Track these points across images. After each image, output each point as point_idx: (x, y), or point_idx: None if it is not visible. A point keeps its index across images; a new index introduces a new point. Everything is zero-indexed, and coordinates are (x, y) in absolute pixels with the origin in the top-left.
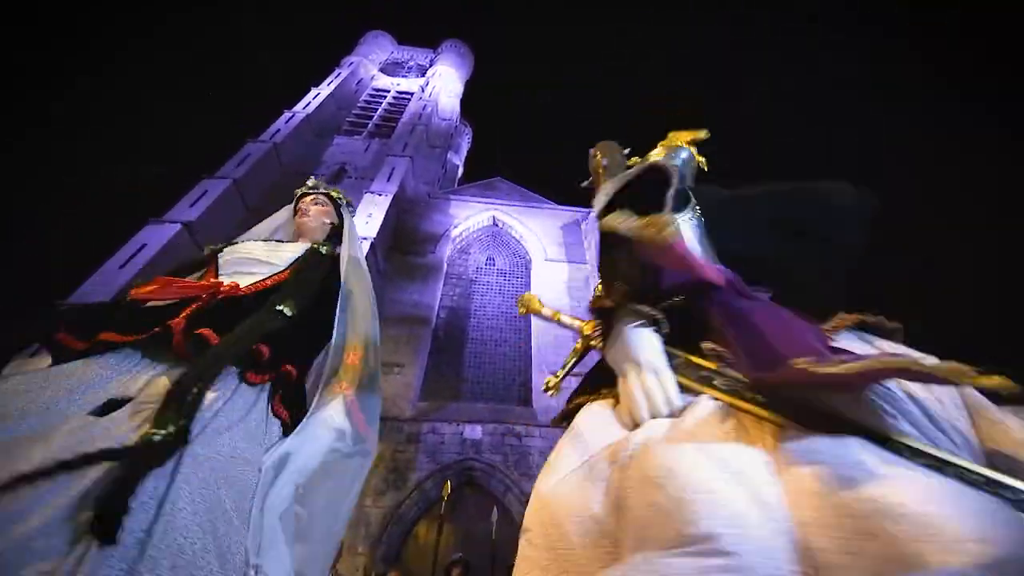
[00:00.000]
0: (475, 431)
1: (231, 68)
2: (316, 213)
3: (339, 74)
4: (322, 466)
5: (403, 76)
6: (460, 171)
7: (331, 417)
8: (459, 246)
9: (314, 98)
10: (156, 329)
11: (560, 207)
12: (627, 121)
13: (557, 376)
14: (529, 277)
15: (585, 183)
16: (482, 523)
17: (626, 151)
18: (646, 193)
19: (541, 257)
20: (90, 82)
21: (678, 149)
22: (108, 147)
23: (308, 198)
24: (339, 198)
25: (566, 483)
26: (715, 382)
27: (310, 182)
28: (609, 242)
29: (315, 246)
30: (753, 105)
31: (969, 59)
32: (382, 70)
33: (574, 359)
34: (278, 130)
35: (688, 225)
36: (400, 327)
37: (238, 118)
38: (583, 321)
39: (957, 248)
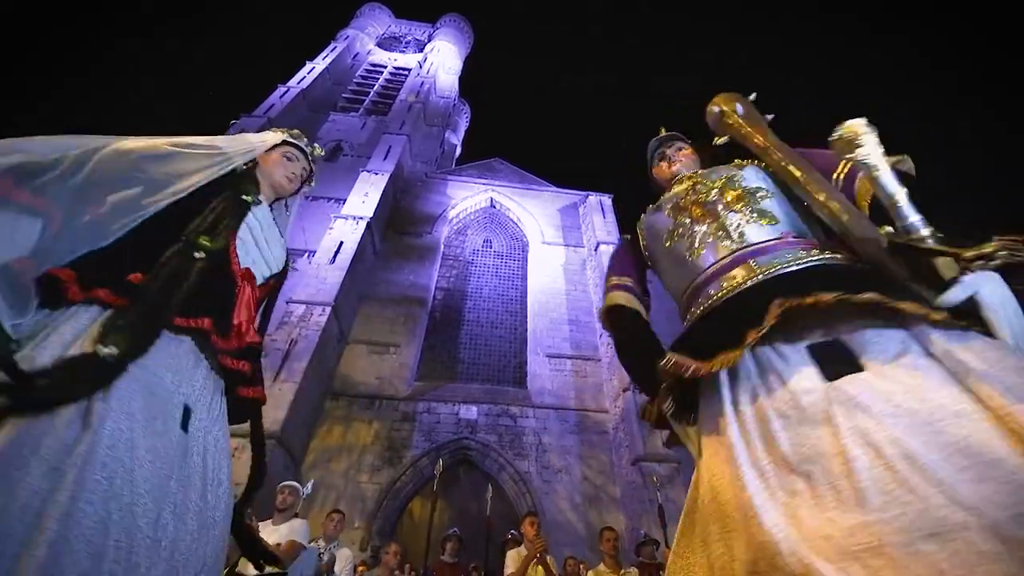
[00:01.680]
0: (470, 411)
1: (224, 41)
2: (297, 181)
3: (335, 48)
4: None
5: (400, 51)
6: (458, 151)
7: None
8: (456, 227)
9: (309, 72)
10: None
11: (559, 189)
12: (631, 103)
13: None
14: (526, 259)
15: (721, 140)
16: (476, 501)
17: (751, 96)
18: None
19: (538, 240)
20: (77, 56)
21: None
22: (94, 128)
23: (301, 159)
24: (310, 179)
25: None
26: None
27: (316, 149)
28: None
29: (287, 265)
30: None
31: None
32: (379, 44)
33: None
34: (272, 105)
35: None
36: (396, 307)
37: (231, 93)
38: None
39: None
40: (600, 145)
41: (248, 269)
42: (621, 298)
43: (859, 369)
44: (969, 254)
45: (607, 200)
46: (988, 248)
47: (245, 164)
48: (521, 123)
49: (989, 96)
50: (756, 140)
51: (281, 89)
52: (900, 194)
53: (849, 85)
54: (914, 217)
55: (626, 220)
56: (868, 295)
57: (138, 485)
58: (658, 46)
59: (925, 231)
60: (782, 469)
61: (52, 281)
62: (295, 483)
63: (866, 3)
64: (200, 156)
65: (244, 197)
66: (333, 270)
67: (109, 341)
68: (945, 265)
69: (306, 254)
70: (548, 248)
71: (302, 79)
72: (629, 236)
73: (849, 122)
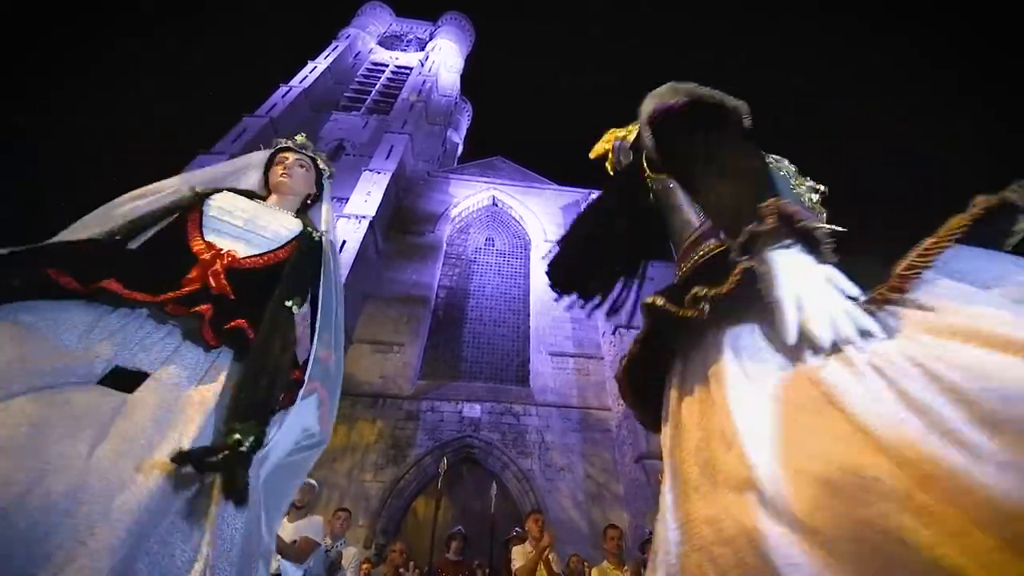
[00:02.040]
0: (474, 409)
1: (224, 41)
2: (300, 177)
3: (336, 47)
4: (285, 461)
5: (402, 50)
6: (460, 149)
7: (305, 414)
8: (458, 226)
9: (311, 72)
10: (184, 307)
11: (561, 187)
12: (633, 102)
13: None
14: (528, 258)
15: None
16: (480, 499)
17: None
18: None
19: (541, 238)
20: (77, 56)
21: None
22: (94, 128)
23: (292, 156)
24: (324, 168)
25: None
26: None
27: (299, 138)
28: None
29: (308, 230)
30: (760, 92)
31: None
32: (380, 43)
33: None
34: (274, 104)
35: None
36: (399, 307)
37: (233, 93)
38: None
39: None
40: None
41: (211, 242)
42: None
43: None
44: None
45: None
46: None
47: (263, 191)
48: (523, 121)
49: (988, 96)
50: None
51: (283, 89)
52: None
53: (849, 85)
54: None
55: None
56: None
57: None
58: (659, 45)
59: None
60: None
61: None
62: (311, 480)
63: (865, 3)
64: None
65: (197, 191)
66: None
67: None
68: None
69: None
70: (550, 246)
71: (304, 78)
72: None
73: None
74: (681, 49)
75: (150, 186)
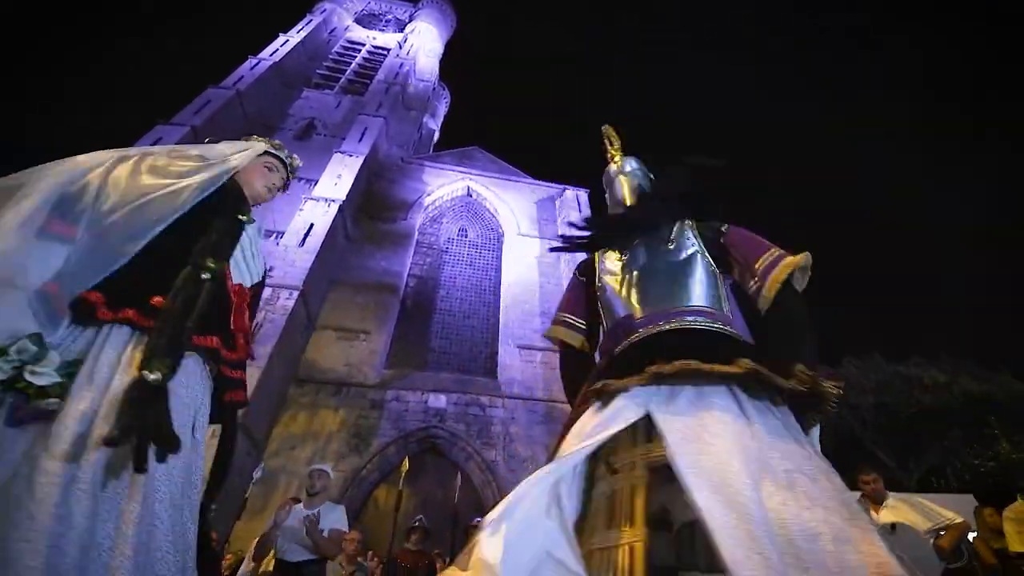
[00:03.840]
0: (439, 400)
1: (192, 10)
2: (275, 191)
3: (311, 21)
4: None
5: (380, 29)
6: (436, 136)
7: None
8: (431, 214)
9: (282, 45)
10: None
11: (536, 182)
12: (612, 96)
13: None
14: (501, 250)
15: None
16: (442, 489)
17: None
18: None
19: (514, 231)
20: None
21: (625, 159)
22: (52, 91)
23: (280, 170)
24: (285, 188)
25: None
26: None
27: (296, 161)
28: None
29: (264, 277)
30: (739, 91)
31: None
32: (357, 21)
33: None
34: (241, 77)
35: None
36: (367, 294)
37: (198, 63)
38: None
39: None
40: (578, 139)
41: (240, 285)
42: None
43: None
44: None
45: (583, 195)
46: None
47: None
48: (501, 112)
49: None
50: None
51: (252, 61)
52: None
53: (848, 88)
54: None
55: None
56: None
57: (175, 490)
58: (641, 42)
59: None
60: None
61: (83, 303)
62: (325, 467)
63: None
64: (193, 165)
65: (240, 217)
66: (302, 253)
67: (153, 367)
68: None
69: (274, 235)
70: (523, 240)
71: (275, 51)
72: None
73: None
74: (664, 46)
75: (190, 155)
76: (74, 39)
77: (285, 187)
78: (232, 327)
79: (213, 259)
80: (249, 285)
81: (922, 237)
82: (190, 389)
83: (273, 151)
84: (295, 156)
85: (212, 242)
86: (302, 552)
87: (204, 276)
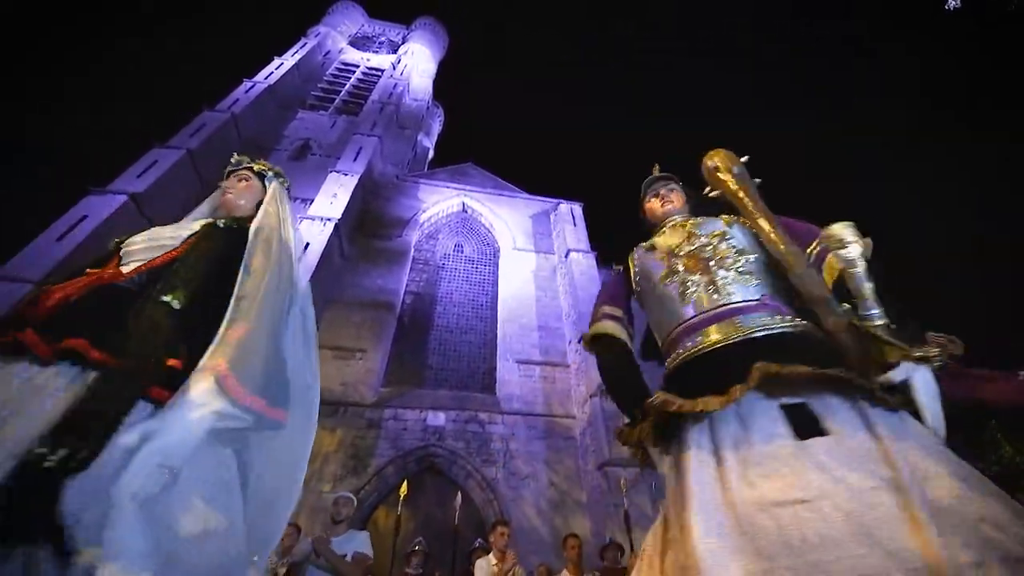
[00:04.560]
0: (438, 418)
1: (187, 34)
2: (239, 189)
3: (305, 44)
4: (210, 443)
5: (374, 51)
6: (430, 154)
7: (198, 394)
8: (427, 231)
9: (277, 68)
10: (8, 338)
11: (531, 196)
12: (603, 113)
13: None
14: (497, 265)
15: (712, 193)
16: (442, 508)
17: (744, 159)
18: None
19: (510, 246)
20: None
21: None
22: (48, 109)
23: (233, 175)
24: (263, 170)
25: None
26: None
27: (233, 158)
28: None
29: (213, 221)
30: (741, 108)
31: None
32: (351, 43)
33: None
34: (237, 100)
35: None
36: (363, 312)
37: (194, 86)
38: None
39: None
40: (572, 154)
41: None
42: (611, 327)
43: (822, 432)
44: (916, 353)
45: (578, 208)
46: (931, 352)
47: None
48: (494, 129)
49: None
50: (745, 201)
51: (247, 84)
52: (868, 289)
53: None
54: (874, 309)
55: (596, 229)
56: (834, 371)
57: None
58: (631, 57)
59: (880, 321)
60: (741, 520)
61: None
62: (349, 493)
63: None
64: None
65: (116, 240)
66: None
67: None
68: (891, 351)
69: None
70: (519, 254)
71: (270, 75)
72: (621, 268)
73: (839, 227)
74: (654, 61)
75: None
76: (73, 47)
77: (242, 179)
78: None
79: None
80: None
81: (919, 241)
82: None
83: (228, 168)
84: (232, 157)
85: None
86: None
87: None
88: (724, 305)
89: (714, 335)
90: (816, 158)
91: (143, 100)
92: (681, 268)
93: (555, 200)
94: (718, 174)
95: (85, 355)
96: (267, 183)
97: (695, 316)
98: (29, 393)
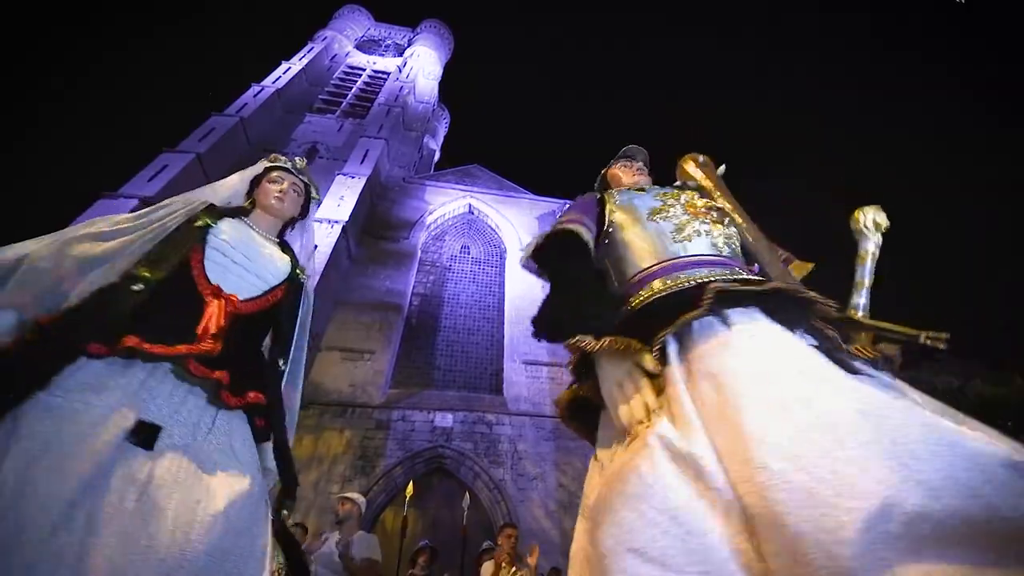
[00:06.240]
0: (445, 419)
1: (196, 38)
2: (292, 201)
3: (312, 48)
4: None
5: (380, 55)
6: (437, 156)
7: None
8: (434, 233)
9: (284, 72)
10: (193, 347)
11: (537, 197)
12: (609, 114)
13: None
14: (504, 266)
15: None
16: (450, 510)
17: (721, 169)
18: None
19: (516, 247)
20: (34, 43)
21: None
22: (59, 116)
23: (288, 178)
24: (315, 198)
25: None
26: None
27: (299, 162)
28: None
29: (296, 272)
30: (745, 104)
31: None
32: (358, 47)
33: None
34: (245, 104)
35: None
36: (371, 313)
37: (203, 90)
38: None
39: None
40: (578, 155)
41: (217, 286)
42: (582, 231)
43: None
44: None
45: None
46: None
47: (247, 203)
48: (500, 130)
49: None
50: (721, 201)
51: (255, 88)
52: (869, 280)
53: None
54: (863, 299)
55: None
56: (790, 286)
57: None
58: (637, 57)
59: (862, 313)
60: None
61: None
62: (356, 494)
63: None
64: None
65: (196, 224)
66: None
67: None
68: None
69: None
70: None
71: (277, 79)
72: (597, 195)
73: (874, 210)
74: (659, 61)
75: (118, 217)
76: (80, 51)
77: (296, 190)
78: (199, 326)
79: (148, 268)
80: (267, 287)
81: (930, 238)
82: (110, 395)
83: (272, 164)
84: (297, 158)
85: (153, 255)
86: None
87: (135, 287)
88: (718, 255)
89: (701, 277)
90: (823, 150)
91: (152, 104)
92: (679, 209)
93: (561, 201)
94: (693, 177)
95: (259, 408)
96: (310, 206)
97: (684, 256)
98: None
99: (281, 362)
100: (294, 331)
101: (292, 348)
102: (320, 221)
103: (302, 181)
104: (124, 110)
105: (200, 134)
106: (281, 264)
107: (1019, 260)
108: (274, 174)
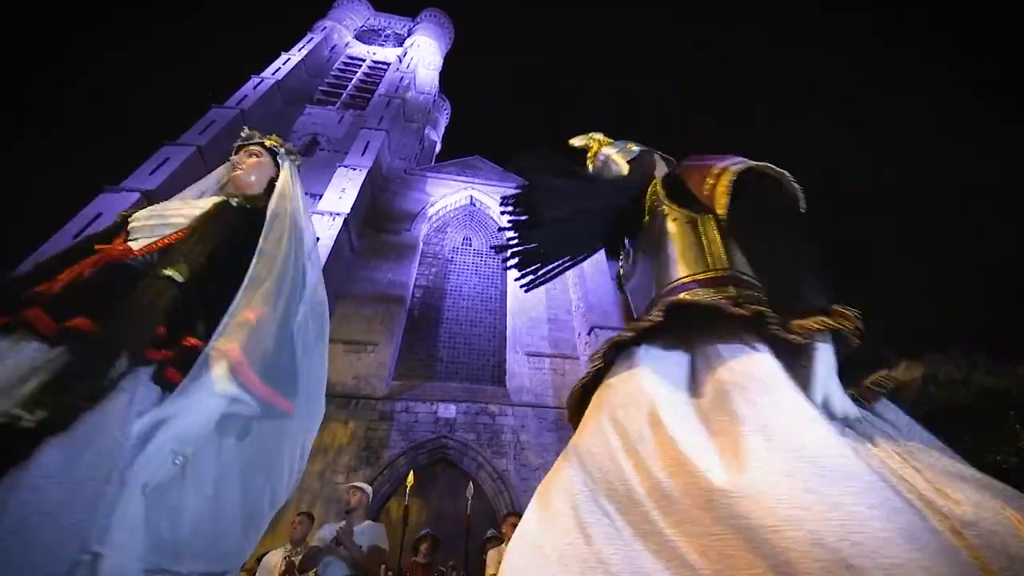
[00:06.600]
0: (449, 410)
1: (195, 30)
2: (249, 165)
3: (311, 39)
4: (219, 433)
5: (379, 45)
6: (438, 147)
7: (213, 380)
8: (435, 225)
9: (284, 63)
10: (10, 316)
11: None
12: (611, 104)
13: None
14: (506, 259)
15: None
16: (453, 499)
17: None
18: None
19: None
20: (34, 40)
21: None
22: (60, 111)
23: (242, 150)
24: (275, 146)
25: None
26: None
27: (244, 132)
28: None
29: (226, 199)
30: (740, 101)
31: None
32: (357, 37)
33: None
34: (245, 96)
35: None
36: (374, 306)
37: (202, 83)
38: None
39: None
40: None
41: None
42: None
43: None
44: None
45: None
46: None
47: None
48: (501, 121)
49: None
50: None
51: (255, 80)
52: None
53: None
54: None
55: None
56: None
57: None
58: (638, 47)
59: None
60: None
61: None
62: (365, 484)
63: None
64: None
65: (122, 213)
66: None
67: None
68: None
69: None
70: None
71: (277, 70)
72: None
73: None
74: (661, 52)
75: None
76: (80, 46)
77: (252, 154)
78: None
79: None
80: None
81: (932, 229)
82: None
83: (234, 149)
84: (244, 130)
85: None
86: (343, 568)
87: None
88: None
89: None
90: (826, 145)
91: (153, 97)
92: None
93: None
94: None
95: (88, 332)
96: (280, 160)
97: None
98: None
99: (168, 271)
100: (212, 244)
101: (196, 258)
102: (322, 213)
103: (255, 143)
104: (124, 104)
105: (201, 126)
106: (205, 206)
107: (1020, 255)
108: (235, 156)
